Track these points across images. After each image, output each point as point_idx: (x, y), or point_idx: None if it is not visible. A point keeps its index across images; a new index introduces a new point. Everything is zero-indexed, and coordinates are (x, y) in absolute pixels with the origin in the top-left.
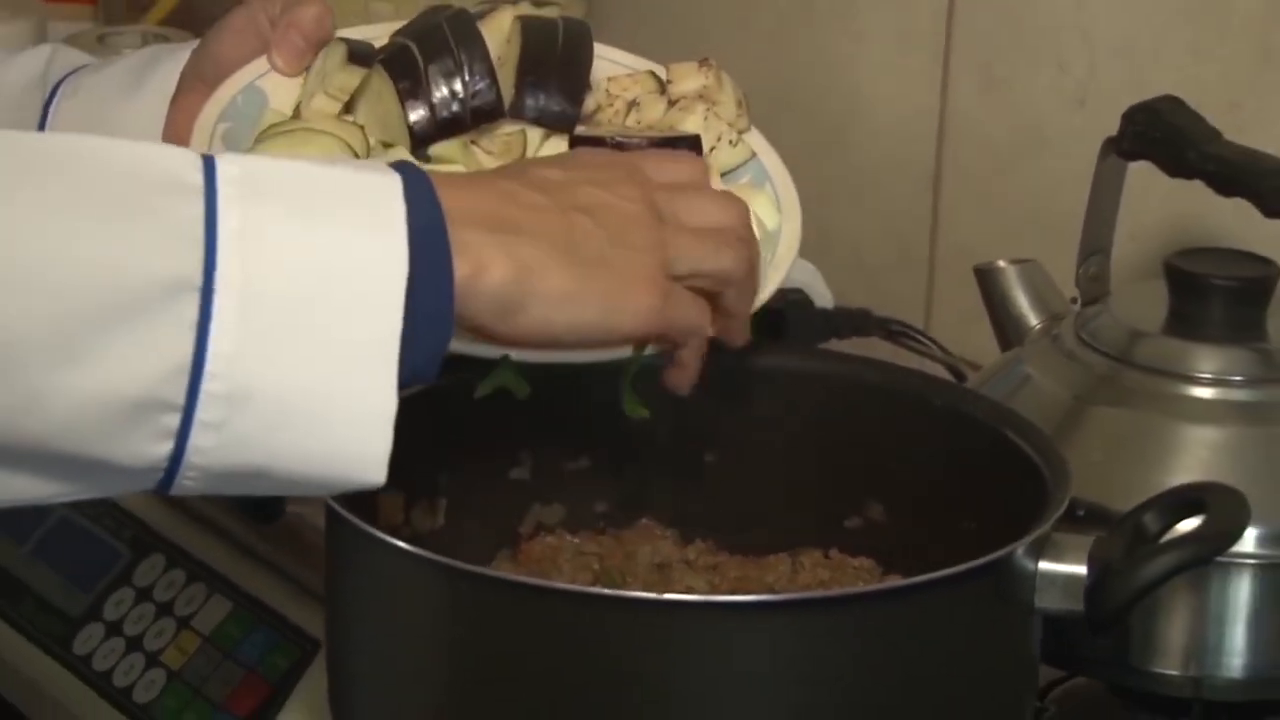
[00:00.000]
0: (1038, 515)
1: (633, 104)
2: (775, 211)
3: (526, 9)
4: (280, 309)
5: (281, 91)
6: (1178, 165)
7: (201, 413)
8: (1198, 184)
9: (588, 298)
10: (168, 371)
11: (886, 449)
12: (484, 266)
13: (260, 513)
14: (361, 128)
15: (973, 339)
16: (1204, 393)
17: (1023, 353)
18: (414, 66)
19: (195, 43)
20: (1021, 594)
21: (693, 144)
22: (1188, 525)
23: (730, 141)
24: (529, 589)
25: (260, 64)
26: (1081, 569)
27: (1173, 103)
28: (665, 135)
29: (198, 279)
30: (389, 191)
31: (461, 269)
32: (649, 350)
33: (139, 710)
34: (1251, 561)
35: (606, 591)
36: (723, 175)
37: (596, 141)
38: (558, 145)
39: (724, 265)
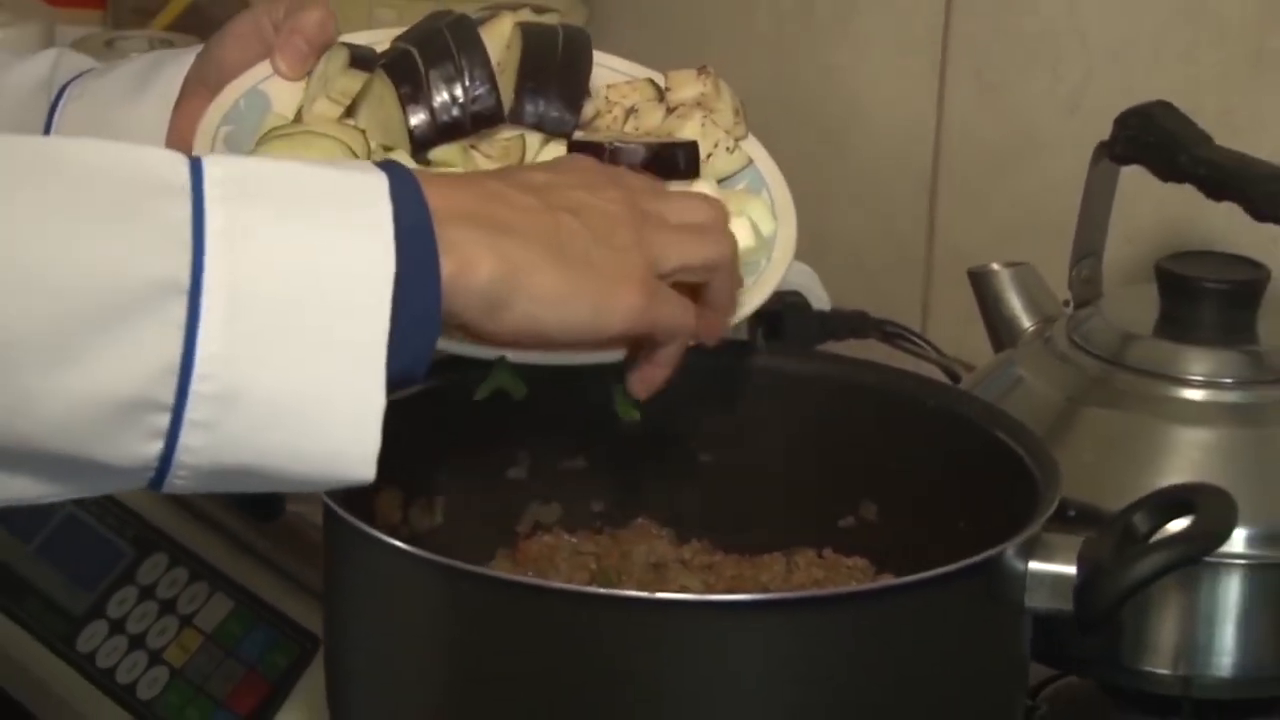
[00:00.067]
0: (1029, 515)
1: (631, 111)
2: (771, 217)
3: (527, 16)
4: (268, 309)
5: (284, 95)
6: (1169, 169)
7: (191, 412)
8: (1189, 188)
9: (576, 296)
10: (158, 372)
11: (881, 450)
12: (471, 264)
13: (260, 511)
14: (363, 131)
15: (969, 341)
16: (1194, 394)
17: (1015, 354)
18: (415, 71)
19: (199, 47)
20: (1012, 593)
21: (690, 150)
22: (1177, 526)
23: (727, 148)
24: (525, 588)
25: (264, 68)
26: (1071, 569)
27: (1164, 108)
28: (663, 142)
29: (186, 280)
30: (375, 191)
31: (448, 266)
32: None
33: (142, 707)
34: (1240, 562)
35: (602, 591)
36: (720, 181)
37: (595, 147)
38: (557, 150)
39: (709, 255)
